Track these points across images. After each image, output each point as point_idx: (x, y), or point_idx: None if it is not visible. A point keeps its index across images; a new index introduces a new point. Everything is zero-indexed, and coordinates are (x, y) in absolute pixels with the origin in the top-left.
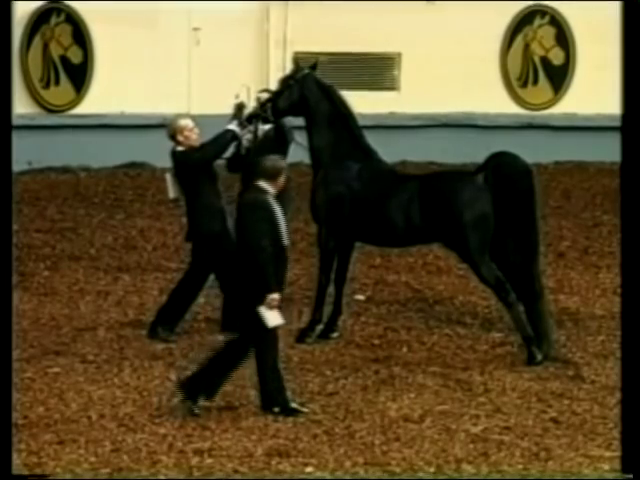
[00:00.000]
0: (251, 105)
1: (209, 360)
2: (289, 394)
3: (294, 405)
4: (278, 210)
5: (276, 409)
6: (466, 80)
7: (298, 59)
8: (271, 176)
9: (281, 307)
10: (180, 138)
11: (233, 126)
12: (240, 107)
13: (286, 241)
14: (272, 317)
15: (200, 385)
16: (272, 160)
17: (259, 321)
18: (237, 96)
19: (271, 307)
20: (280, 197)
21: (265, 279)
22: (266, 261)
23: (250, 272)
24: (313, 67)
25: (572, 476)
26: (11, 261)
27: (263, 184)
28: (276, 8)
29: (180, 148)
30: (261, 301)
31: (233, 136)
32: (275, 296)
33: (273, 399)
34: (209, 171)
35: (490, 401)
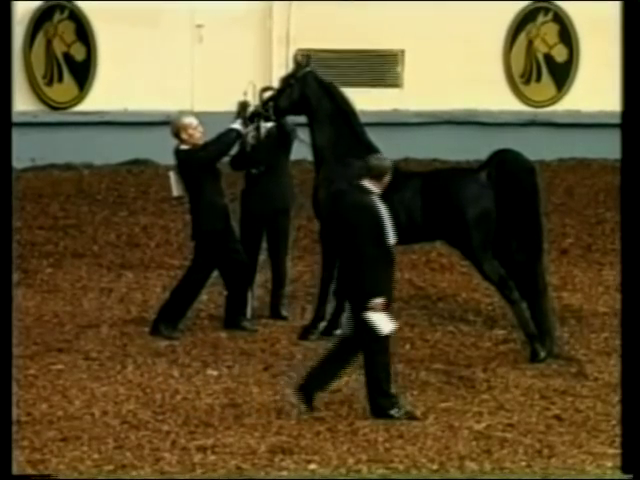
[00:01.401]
0: (255, 103)
1: (322, 359)
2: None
3: (408, 409)
4: (384, 210)
5: (393, 412)
6: (469, 77)
7: (299, 57)
8: (376, 176)
9: (387, 310)
10: (184, 136)
11: (237, 125)
12: (244, 106)
13: (392, 240)
14: (383, 323)
15: (313, 385)
16: (378, 160)
17: (368, 326)
18: (245, 93)
19: (378, 311)
20: (282, 195)
21: (368, 284)
22: (369, 266)
23: (354, 276)
24: (307, 63)
25: (575, 473)
26: (11, 258)
27: (368, 184)
28: (279, 5)
29: (184, 146)
30: (365, 306)
31: (237, 135)
32: (379, 300)
33: (385, 404)
34: (212, 170)
35: (493, 398)
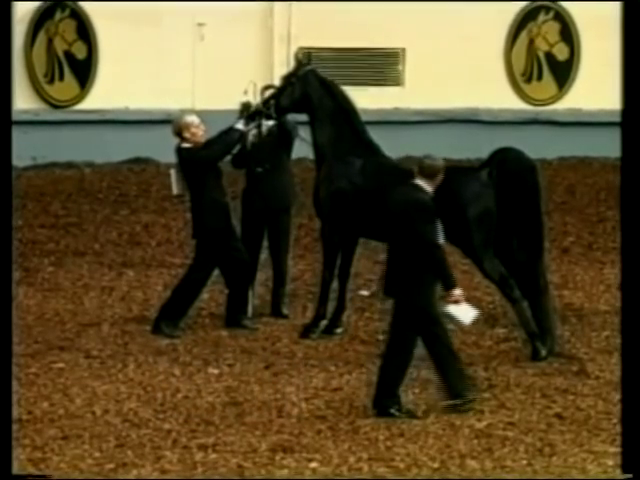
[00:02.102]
0: (256, 101)
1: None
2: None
3: (409, 407)
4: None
5: (393, 410)
6: (470, 76)
7: (300, 55)
8: (430, 175)
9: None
10: (187, 135)
11: (240, 125)
12: (247, 106)
13: (442, 240)
14: (465, 312)
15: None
16: (431, 159)
17: (428, 319)
18: (245, 92)
19: (458, 302)
20: (283, 194)
21: (445, 277)
22: (443, 259)
23: (418, 270)
24: (308, 62)
25: (576, 472)
26: (11, 257)
27: (422, 183)
28: (280, 4)
29: (186, 145)
30: (434, 301)
31: (240, 135)
32: (459, 291)
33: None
34: (214, 168)
35: (494, 397)
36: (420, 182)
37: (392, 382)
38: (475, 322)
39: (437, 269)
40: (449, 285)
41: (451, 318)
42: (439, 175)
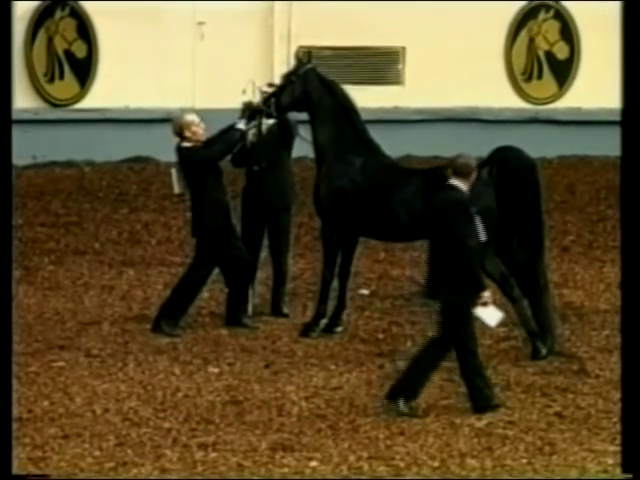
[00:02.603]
0: (256, 100)
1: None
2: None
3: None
4: (472, 208)
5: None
6: (470, 74)
7: (300, 54)
8: (464, 174)
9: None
10: (187, 134)
11: (241, 125)
12: (248, 106)
13: (483, 237)
14: (491, 315)
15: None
16: (464, 158)
17: (460, 321)
18: (244, 91)
19: (485, 305)
20: (283, 192)
21: (476, 279)
22: (476, 261)
23: (454, 271)
24: (308, 61)
25: (576, 470)
26: (11, 255)
27: (457, 182)
28: (280, 3)
29: (186, 144)
30: (471, 302)
31: (241, 135)
32: (488, 293)
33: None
34: (215, 167)
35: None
36: (456, 182)
37: (419, 381)
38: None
39: (469, 270)
40: (479, 287)
41: (477, 319)
42: (473, 173)
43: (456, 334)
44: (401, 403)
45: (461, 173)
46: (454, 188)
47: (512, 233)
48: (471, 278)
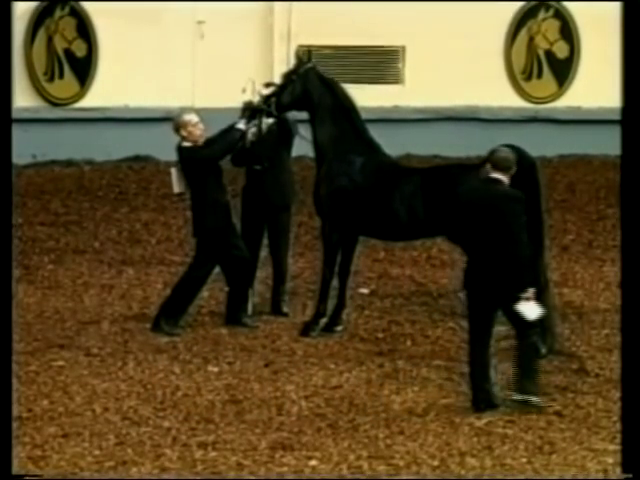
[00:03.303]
0: (256, 99)
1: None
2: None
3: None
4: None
5: (533, 399)
6: (470, 73)
7: (300, 53)
8: (505, 168)
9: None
10: (184, 133)
11: (242, 125)
12: (248, 106)
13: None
14: (532, 309)
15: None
16: (504, 152)
17: (493, 311)
18: (244, 90)
19: (528, 300)
20: (283, 192)
21: (525, 273)
22: (527, 255)
23: (505, 264)
24: (308, 60)
25: (576, 470)
26: (11, 254)
27: (500, 176)
28: (280, 2)
29: (186, 143)
30: (517, 295)
31: (241, 135)
32: (533, 289)
33: (530, 390)
34: (215, 167)
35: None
36: (499, 176)
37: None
38: None
39: (521, 264)
40: (527, 282)
41: (518, 313)
42: (513, 167)
43: (484, 323)
44: (534, 398)
45: (502, 167)
46: (499, 182)
47: None
48: (522, 272)
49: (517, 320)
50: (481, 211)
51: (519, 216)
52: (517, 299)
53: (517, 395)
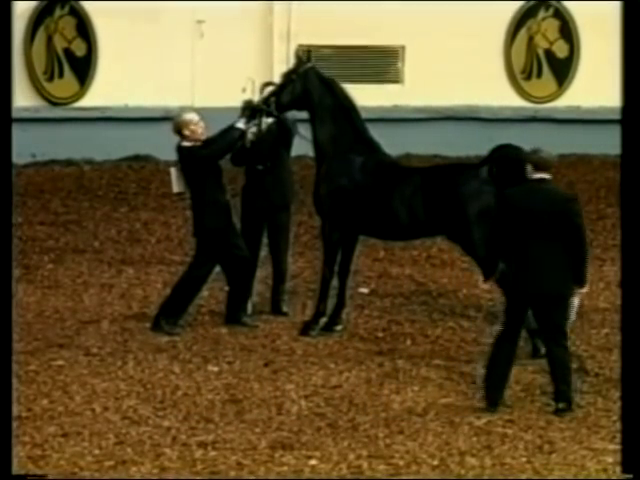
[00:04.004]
0: (256, 99)
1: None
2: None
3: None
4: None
5: (561, 405)
6: (470, 73)
7: (300, 53)
8: (547, 168)
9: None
10: (186, 132)
11: (241, 124)
12: (248, 105)
13: None
14: (575, 307)
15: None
16: (545, 153)
17: (563, 311)
18: (244, 89)
19: (578, 298)
20: (283, 191)
21: (585, 270)
22: (588, 252)
23: (564, 263)
24: (308, 59)
25: (575, 469)
26: (11, 254)
27: (546, 176)
28: (280, 1)
29: (186, 143)
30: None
31: (241, 135)
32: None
33: (567, 394)
34: (215, 167)
35: None
36: (545, 176)
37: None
38: (474, 319)
39: (582, 262)
40: (584, 279)
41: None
42: (552, 168)
43: (554, 324)
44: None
45: (546, 167)
46: (548, 181)
47: None
48: (583, 270)
49: (550, 323)
50: (541, 213)
51: (580, 215)
52: (563, 298)
53: (562, 404)
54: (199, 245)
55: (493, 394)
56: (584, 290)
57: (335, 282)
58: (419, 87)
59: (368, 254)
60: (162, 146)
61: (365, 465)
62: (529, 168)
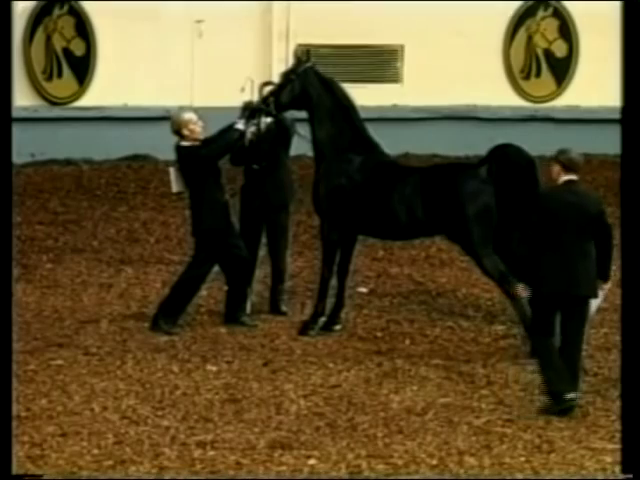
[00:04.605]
0: (255, 98)
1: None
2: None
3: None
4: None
5: (571, 395)
6: (469, 72)
7: (299, 52)
8: (578, 169)
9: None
10: (185, 132)
11: (240, 125)
12: (248, 106)
13: None
14: (595, 304)
15: (561, 383)
16: (574, 152)
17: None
18: (243, 89)
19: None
20: (282, 191)
21: (610, 268)
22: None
23: (594, 266)
24: (307, 59)
25: (574, 468)
26: (11, 253)
27: (575, 177)
28: (279, 1)
29: (185, 143)
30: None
31: (240, 136)
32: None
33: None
34: (214, 167)
35: (493, 394)
36: (574, 177)
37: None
38: (473, 319)
39: (609, 259)
40: (609, 276)
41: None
42: (579, 169)
43: (576, 326)
44: (570, 395)
45: (576, 168)
46: (578, 183)
47: (512, 230)
48: (610, 266)
49: (573, 324)
50: (577, 215)
51: (606, 215)
52: (588, 300)
53: (572, 394)
54: (198, 245)
55: (563, 386)
56: (608, 285)
57: (334, 282)
58: (418, 87)
59: (367, 254)
60: (161, 146)
61: (364, 464)
62: (556, 169)
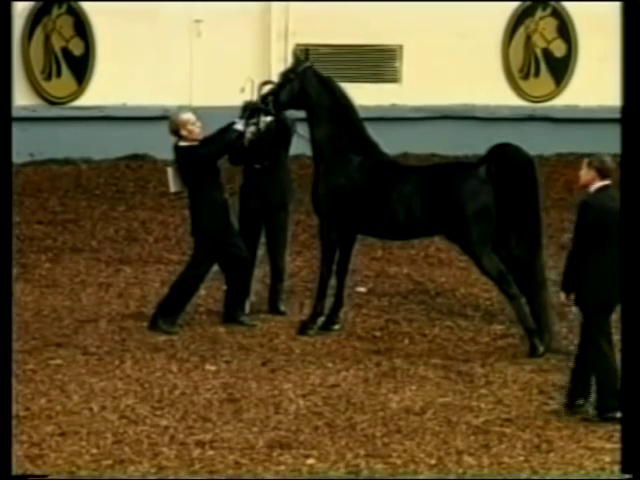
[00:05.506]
0: (255, 99)
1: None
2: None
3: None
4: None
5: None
6: (468, 72)
7: (298, 52)
8: (610, 174)
9: None
10: (184, 132)
11: (240, 126)
12: (248, 106)
13: None
14: None
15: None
16: (607, 157)
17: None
18: (242, 89)
19: None
20: (281, 190)
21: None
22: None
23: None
24: (306, 58)
25: (573, 468)
26: (11, 253)
27: (609, 182)
28: (278, 0)
29: (183, 143)
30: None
31: (238, 136)
32: None
33: (610, 404)
34: (212, 166)
35: (491, 393)
36: (608, 183)
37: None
38: (472, 318)
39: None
40: None
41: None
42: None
43: (605, 330)
44: (581, 403)
45: (607, 174)
46: (612, 187)
47: (510, 230)
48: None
49: (602, 329)
50: (613, 221)
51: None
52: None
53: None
54: (197, 244)
55: (610, 403)
56: None
57: (333, 281)
58: (417, 86)
59: (366, 253)
60: (160, 145)
61: (363, 464)
62: (591, 175)
